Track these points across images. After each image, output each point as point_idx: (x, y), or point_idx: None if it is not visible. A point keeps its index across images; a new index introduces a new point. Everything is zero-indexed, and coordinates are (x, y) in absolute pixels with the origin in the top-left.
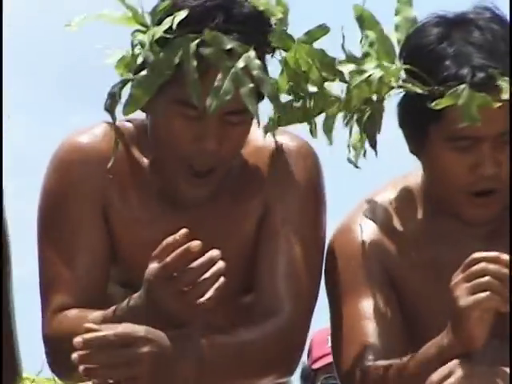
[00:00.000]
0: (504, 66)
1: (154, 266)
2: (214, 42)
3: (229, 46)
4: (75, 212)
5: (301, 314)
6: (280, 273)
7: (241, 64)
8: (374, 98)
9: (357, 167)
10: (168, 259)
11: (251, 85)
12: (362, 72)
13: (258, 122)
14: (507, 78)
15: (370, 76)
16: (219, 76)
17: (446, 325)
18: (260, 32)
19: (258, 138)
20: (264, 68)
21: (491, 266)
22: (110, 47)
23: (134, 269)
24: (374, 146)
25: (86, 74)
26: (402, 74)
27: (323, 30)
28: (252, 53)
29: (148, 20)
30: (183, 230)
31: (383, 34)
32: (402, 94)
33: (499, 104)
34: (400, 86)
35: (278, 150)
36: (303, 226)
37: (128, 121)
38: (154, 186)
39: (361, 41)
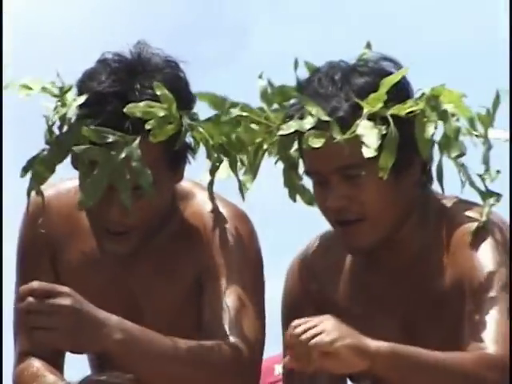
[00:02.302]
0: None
1: None
2: (94, 137)
3: (110, 140)
4: (31, 262)
5: (248, 350)
6: (226, 319)
7: (122, 155)
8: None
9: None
10: None
11: (128, 177)
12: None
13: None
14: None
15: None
16: (96, 170)
17: None
18: None
19: (203, 202)
20: (165, 152)
21: None
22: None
23: None
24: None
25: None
26: None
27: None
28: (135, 143)
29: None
30: None
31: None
32: None
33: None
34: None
35: (216, 214)
36: (242, 275)
37: None
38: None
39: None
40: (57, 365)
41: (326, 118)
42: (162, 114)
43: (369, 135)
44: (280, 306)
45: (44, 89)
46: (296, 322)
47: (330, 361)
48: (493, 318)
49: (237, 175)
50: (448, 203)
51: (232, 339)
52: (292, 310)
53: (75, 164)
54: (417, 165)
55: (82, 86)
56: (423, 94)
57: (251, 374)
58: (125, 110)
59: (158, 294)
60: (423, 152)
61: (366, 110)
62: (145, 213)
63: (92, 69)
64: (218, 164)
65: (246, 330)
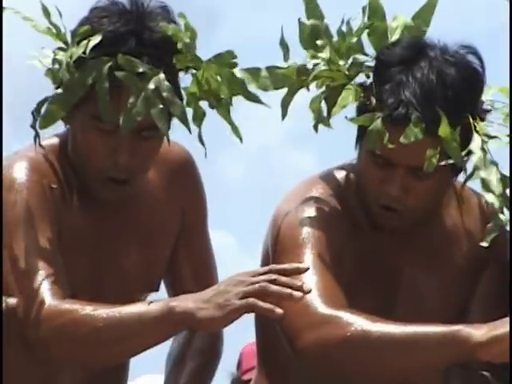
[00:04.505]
0: (430, 111)
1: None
2: (127, 66)
3: (141, 70)
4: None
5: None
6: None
7: (151, 86)
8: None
9: (316, 130)
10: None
11: (161, 106)
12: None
13: (168, 140)
14: (423, 125)
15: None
16: (131, 97)
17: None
18: (169, 55)
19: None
20: (174, 89)
21: None
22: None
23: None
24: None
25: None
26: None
27: (231, 54)
28: (162, 75)
29: (69, 39)
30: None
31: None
32: None
33: (404, 141)
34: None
35: (182, 160)
36: (207, 232)
37: (56, 135)
38: (77, 188)
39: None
40: None
41: (453, 145)
42: (187, 40)
43: (489, 174)
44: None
45: (53, 25)
46: None
47: None
48: None
49: (230, 119)
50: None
51: None
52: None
53: (66, 118)
54: None
55: (94, 29)
56: None
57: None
58: (159, 25)
59: (152, 245)
60: None
61: (479, 138)
62: (148, 157)
63: (97, 10)
64: (204, 113)
65: None
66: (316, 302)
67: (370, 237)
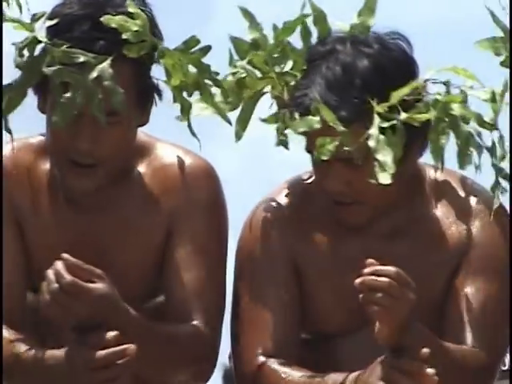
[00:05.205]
0: (333, 99)
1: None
2: (64, 59)
3: (81, 60)
4: None
5: (210, 329)
6: (190, 288)
7: (93, 75)
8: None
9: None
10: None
11: (100, 96)
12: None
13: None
14: (321, 114)
15: None
16: (70, 90)
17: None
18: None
19: (164, 155)
20: (141, 76)
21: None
22: None
23: (42, 272)
24: None
25: None
26: None
27: (195, 40)
28: (107, 63)
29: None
30: (113, 334)
31: None
32: None
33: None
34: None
35: (184, 168)
36: (209, 242)
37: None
38: (59, 188)
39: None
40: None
41: (339, 128)
42: (135, 28)
43: (384, 154)
44: (242, 264)
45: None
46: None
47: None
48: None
49: (214, 104)
50: (442, 175)
51: (196, 322)
52: (267, 267)
53: (41, 106)
54: (416, 148)
55: (53, 13)
56: (437, 101)
57: (212, 352)
58: (101, 19)
59: (127, 248)
60: (436, 160)
61: (377, 120)
62: (113, 144)
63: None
64: (190, 104)
65: (210, 309)
66: (254, 346)
67: (341, 236)
